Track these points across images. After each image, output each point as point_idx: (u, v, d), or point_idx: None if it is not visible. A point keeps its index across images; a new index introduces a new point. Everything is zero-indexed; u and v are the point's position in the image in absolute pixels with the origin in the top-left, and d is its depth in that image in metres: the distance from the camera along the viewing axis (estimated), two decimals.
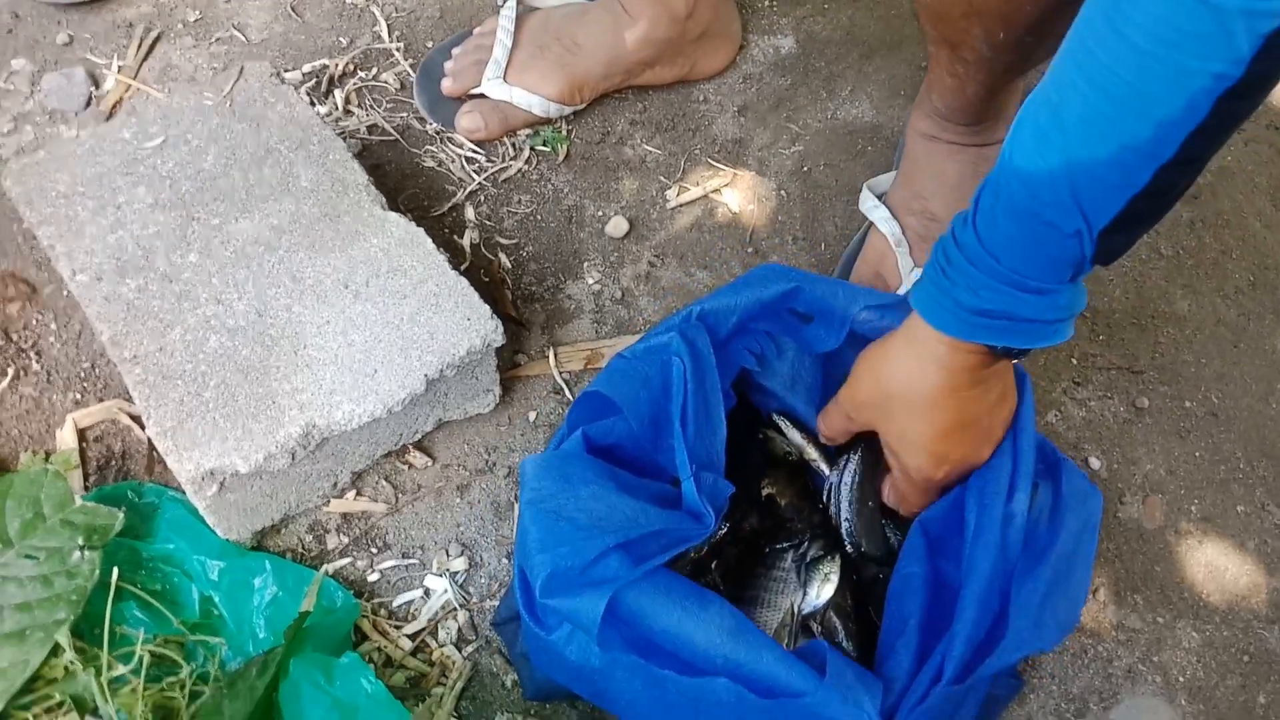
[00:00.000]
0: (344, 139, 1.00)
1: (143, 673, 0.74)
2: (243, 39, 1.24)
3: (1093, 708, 0.89)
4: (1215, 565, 0.94)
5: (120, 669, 0.74)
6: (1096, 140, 0.56)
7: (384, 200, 0.94)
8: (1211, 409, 1.03)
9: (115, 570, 0.77)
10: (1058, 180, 0.57)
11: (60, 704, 0.73)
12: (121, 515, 0.82)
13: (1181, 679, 0.89)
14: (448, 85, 1.15)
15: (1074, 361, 1.05)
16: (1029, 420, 0.74)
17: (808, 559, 0.81)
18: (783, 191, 1.15)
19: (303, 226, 0.91)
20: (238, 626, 0.82)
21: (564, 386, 1.01)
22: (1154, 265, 1.12)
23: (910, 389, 0.71)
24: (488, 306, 0.87)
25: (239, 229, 0.91)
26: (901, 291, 1.03)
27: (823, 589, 0.79)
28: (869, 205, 1.06)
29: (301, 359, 0.84)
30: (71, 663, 0.73)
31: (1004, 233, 0.61)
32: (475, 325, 0.86)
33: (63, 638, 0.74)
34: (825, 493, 0.83)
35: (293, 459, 0.81)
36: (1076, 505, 0.76)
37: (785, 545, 0.82)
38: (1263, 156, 1.21)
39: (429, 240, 0.91)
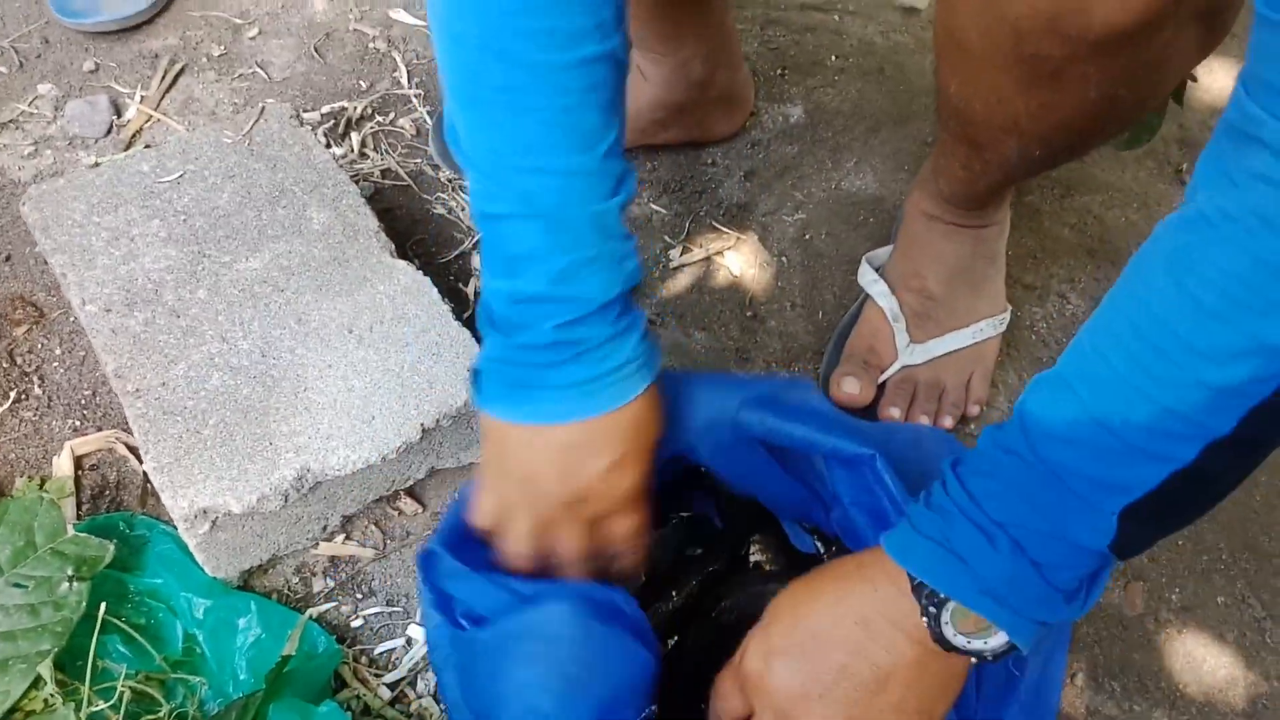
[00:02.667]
0: (358, 182, 1.02)
1: (122, 709, 0.75)
2: (265, 77, 1.26)
3: None
4: (1194, 655, 0.95)
5: (100, 704, 0.74)
6: (1138, 399, 0.49)
7: (393, 248, 0.96)
8: None
9: (103, 605, 0.78)
10: (1084, 440, 0.51)
11: None
12: (112, 548, 0.83)
13: None
14: None
15: None
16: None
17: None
18: (784, 258, 1.17)
19: (311, 269, 0.93)
20: (219, 666, 0.82)
21: None
22: None
23: (863, 644, 0.58)
24: None
25: (248, 268, 0.93)
26: (895, 368, 1.04)
27: None
28: (867, 279, 1.08)
29: (301, 402, 0.85)
30: (52, 695, 0.74)
31: (1021, 518, 0.54)
32: None
33: (45, 670, 0.74)
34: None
35: (285, 501, 0.81)
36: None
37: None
38: None
39: (434, 289, 0.92)
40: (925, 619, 0.56)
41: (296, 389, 0.85)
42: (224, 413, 0.84)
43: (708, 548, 0.84)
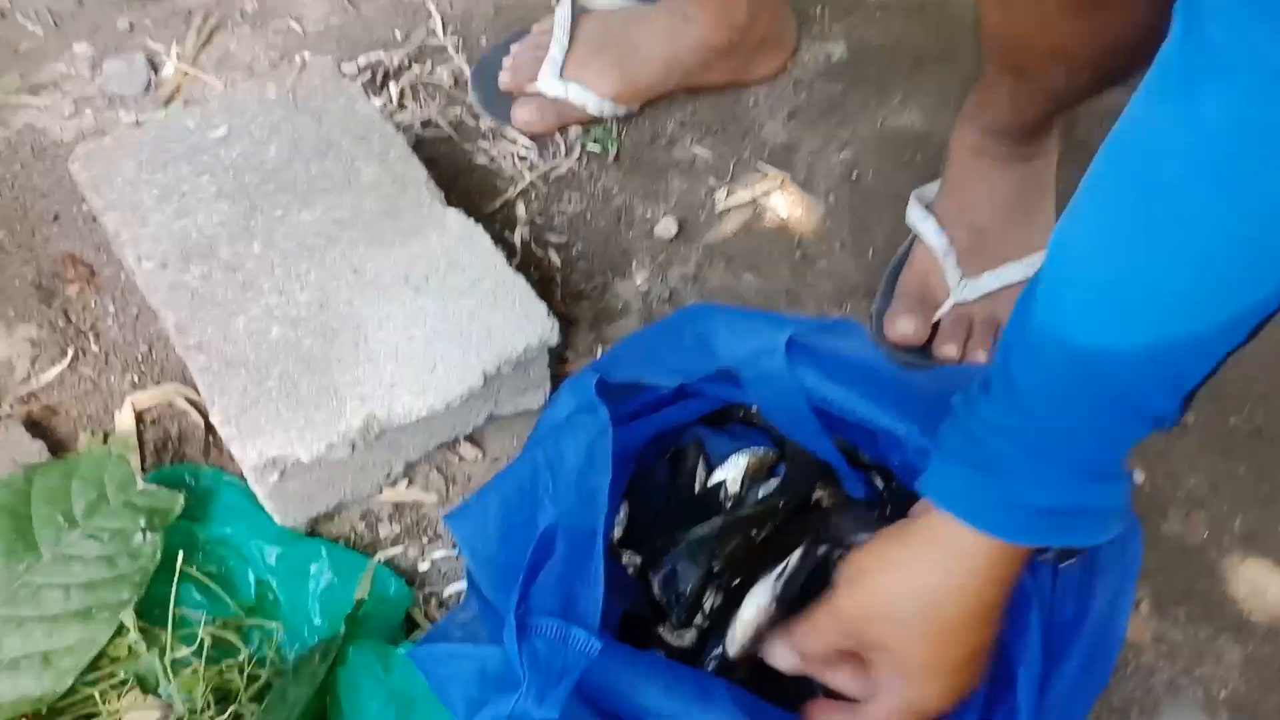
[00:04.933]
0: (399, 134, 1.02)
1: (204, 655, 0.76)
2: (299, 30, 1.25)
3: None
4: (1258, 582, 0.95)
5: (182, 650, 0.76)
6: (1208, 308, 0.47)
7: (443, 197, 0.96)
8: (1256, 427, 1.03)
9: (180, 553, 0.79)
10: (1151, 359, 0.49)
11: (124, 682, 0.74)
12: (181, 498, 0.84)
13: (1223, 694, 0.90)
14: (504, 79, 1.16)
15: None
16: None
17: (822, 557, 0.79)
18: (831, 197, 1.16)
19: (364, 221, 0.93)
20: (293, 611, 0.83)
21: None
22: None
23: (939, 606, 0.58)
24: (544, 305, 0.88)
25: (301, 221, 0.93)
26: (948, 305, 1.03)
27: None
28: (916, 216, 1.06)
29: (363, 352, 0.85)
30: (136, 642, 0.75)
31: (1075, 415, 0.52)
32: (532, 324, 0.87)
33: (127, 618, 0.76)
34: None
35: (352, 450, 0.82)
36: (1115, 556, 0.72)
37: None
38: None
39: (487, 237, 0.92)
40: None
41: (357, 339, 0.86)
42: (286, 364, 0.84)
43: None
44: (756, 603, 0.76)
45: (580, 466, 0.70)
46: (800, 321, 0.77)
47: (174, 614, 0.78)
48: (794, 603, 0.78)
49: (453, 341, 0.85)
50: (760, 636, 0.75)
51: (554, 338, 0.87)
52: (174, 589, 0.77)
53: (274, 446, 0.80)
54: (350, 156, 0.97)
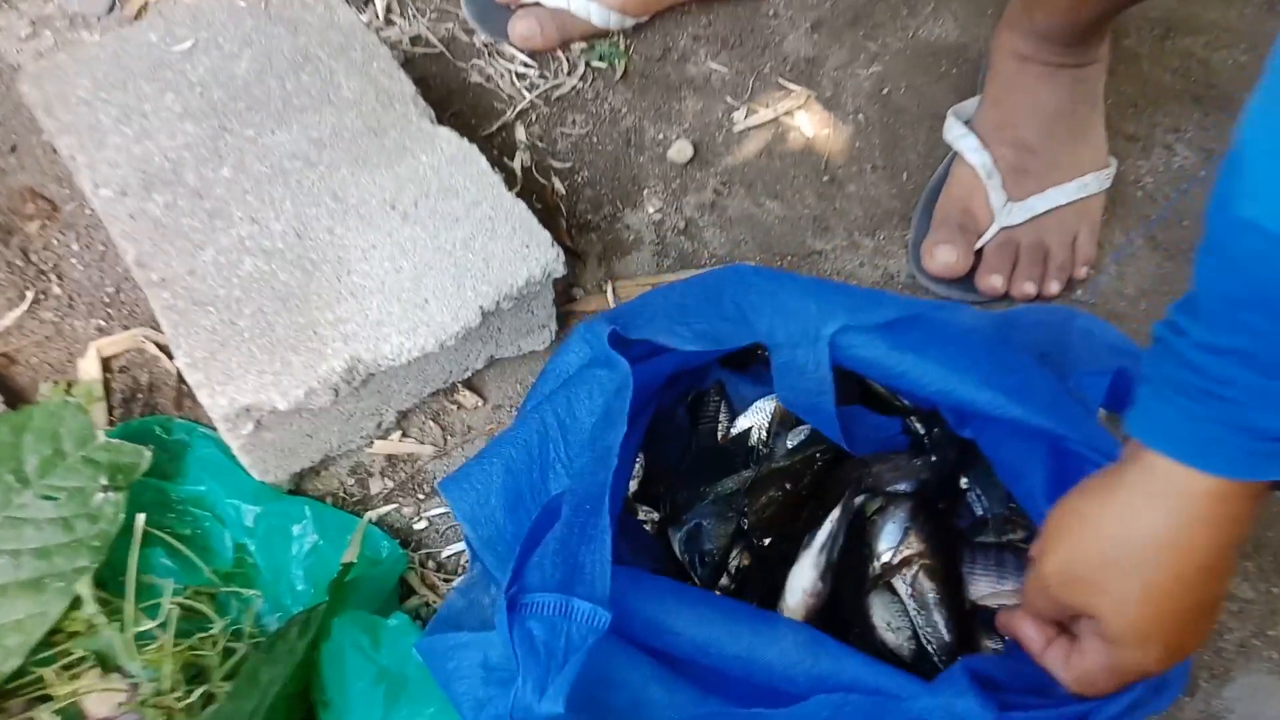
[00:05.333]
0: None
1: (171, 627, 0.68)
2: None
3: (1203, 684, 0.81)
4: None
5: (147, 623, 0.67)
6: None
7: (433, 114, 0.86)
8: None
9: (140, 515, 0.70)
10: None
11: (82, 660, 0.66)
12: (149, 453, 0.75)
13: None
14: None
15: None
16: None
17: (859, 507, 0.73)
18: (860, 115, 1.05)
19: (345, 140, 0.83)
20: (274, 577, 0.75)
21: None
22: None
23: (1160, 565, 0.51)
24: (548, 233, 0.79)
25: (276, 142, 0.83)
26: (993, 230, 0.94)
27: (896, 545, 0.71)
28: (956, 133, 0.97)
29: (345, 286, 0.76)
30: (94, 615, 0.67)
31: None
32: (534, 253, 0.78)
33: (84, 588, 0.67)
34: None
35: (336, 395, 0.73)
36: None
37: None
38: None
39: (483, 158, 0.82)
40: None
41: (339, 272, 0.76)
42: (260, 301, 0.75)
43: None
44: (801, 586, 0.68)
45: (596, 426, 0.61)
46: (858, 299, 0.67)
47: (139, 582, 0.70)
48: (838, 569, 0.70)
49: (446, 274, 0.76)
50: (812, 619, 0.67)
51: (559, 268, 0.78)
52: (133, 555, 0.69)
53: (247, 393, 0.71)
54: (329, 70, 0.87)
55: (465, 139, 0.84)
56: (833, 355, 0.65)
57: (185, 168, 0.82)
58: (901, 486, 0.75)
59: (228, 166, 0.82)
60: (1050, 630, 0.58)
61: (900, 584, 0.71)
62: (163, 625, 0.68)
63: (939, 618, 0.69)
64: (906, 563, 0.72)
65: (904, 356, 0.63)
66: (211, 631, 0.70)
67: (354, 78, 0.86)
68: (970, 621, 0.71)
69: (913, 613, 0.70)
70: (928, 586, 0.70)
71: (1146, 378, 0.51)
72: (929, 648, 0.69)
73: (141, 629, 0.68)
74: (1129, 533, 0.51)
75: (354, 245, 0.77)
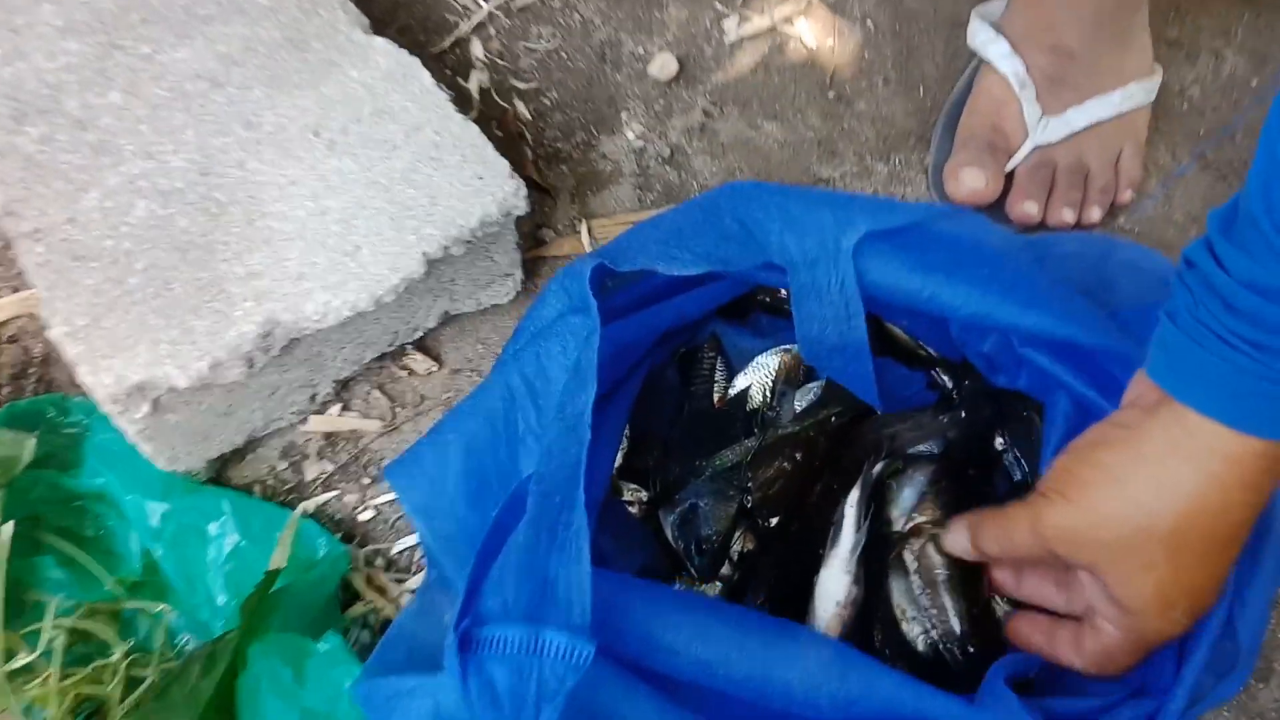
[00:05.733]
0: None
1: (57, 657, 0.55)
2: None
3: (1277, 668, 0.71)
4: None
5: (25, 656, 0.55)
6: None
7: (366, 22, 0.72)
8: None
9: (8, 525, 0.57)
10: None
11: None
12: (32, 442, 0.63)
13: None
14: None
15: None
16: None
17: (878, 476, 0.62)
18: (869, 22, 0.92)
19: (260, 56, 0.69)
20: (188, 587, 0.63)
21: None
22: None
23: (1183, 532, 0.47)
24: (505, 162, 0.65)
25: (175, 59, 0.69)
26: (1026, 149, 0.82)
27: (911, 508, 0.60)
28: (983, 38, 0.85)
29: (259, 232, 0.62)
30: None
31: None
32: (490, 186, 0.64)
33: None
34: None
35: (250, 367, 0.60)
36: None
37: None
38: None
39: (426, 73, 0.69)
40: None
41: (251, 216, 0.63)
42: (156, 253, 0.62)
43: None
44: (834, 597, 0.57)
45: (566, 387, 0.49)
46: (877, 206, 0.56)
47: (20, 601, 0.57)
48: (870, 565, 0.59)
49: (381, 214, 0.63)
50: (847, 631, 0.56)
51: (521, 204, 0.65)
52: (1, 568, 0.56)
53: (138, 368, 0.58)
54: None
55: (405, 50, 0.70)
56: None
57: (66, 93, 0.68)
58: (924, 448, 0.65)
59: (117, 91, 0.68)
60: (1043, 621, 0.54)
61: (908, 557, 0.59)
62: (46, 655, 0.55)
63: (948, 601, 0.58)
64: (916, 531, 0.60)
65: (931, 277, 0.55)
66: (109, 659, 0.57)
67: None
68: (991, 613, 0.59)
69: (917, 592, 0.58)
70: (936, 562, 0.58)
71: (1175, 313, 0.46)
72: (933, 635, 0.58)
73: (23, 662, 0.55)
74: (1160, 496, 0.47)
75: (270, 182, 0.64)
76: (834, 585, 0.57)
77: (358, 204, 0.63)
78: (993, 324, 0.53)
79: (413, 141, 0.65)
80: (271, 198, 0.63)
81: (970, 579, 0.58)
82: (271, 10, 0.71)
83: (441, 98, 0.67)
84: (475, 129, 0.66)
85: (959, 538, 0.55)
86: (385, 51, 0.69)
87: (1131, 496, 0.47)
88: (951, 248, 0.57)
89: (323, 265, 0.61)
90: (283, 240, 0.62)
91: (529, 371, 0.53)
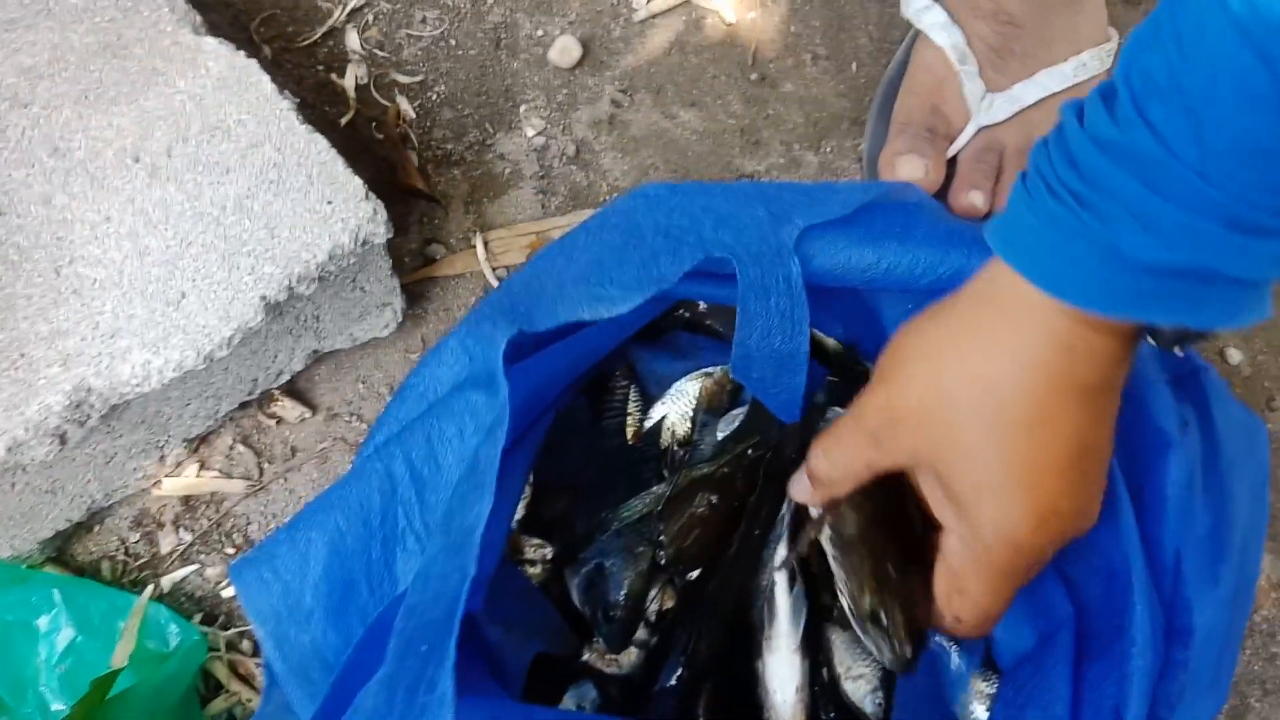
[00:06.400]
0: None
1: None
2: None
3: (1254, 705, 0.64)
4: None
5: None
6: None
7: (197, 19, 0.62)
8: None
9: None
10: None
11: None
12: None
13: None
14: None
15: None
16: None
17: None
18: None
19: (70, 67, 0.60)
20: (17, 695, 0.54)
21: None
22: None
23: (1004, 395, 0.44)
24: (359, 180, 0.57)
25: None
26: (969, 131, 0.75)
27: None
28: (916, 6, 0.79)
29: (67, 281, 0.53)
30: None
31: (1229, 134, 0.38)
32: (341, 211, 0.55)
33: None
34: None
35: (63, 444, 0.51)
36: (1240, 457, 0.51)
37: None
38: None
39: (266, 78, 0.59)
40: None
41: (58, 262, 0.53)
42: None
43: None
44: (790, 685, 0.50)
45: (459, 490, 0.41)
46: (811, 193, 0.51)
47: None
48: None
49: (212, 252, 0.54)
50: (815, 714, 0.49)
51: (380, 230, 0.56)
52: None
53: None
54: None
55: (240, 51, 0.60)
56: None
57: None
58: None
59: None
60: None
61: (824, 542, 0.50)
62: None
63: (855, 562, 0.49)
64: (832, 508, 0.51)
65: (884, 247, 0.51)
66: None
67: None
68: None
69: (833, 566, 0.49)
70: (851, 520, 0.49)
71: (1023, 173, 0.43)
72: (880, 696, 0.50)
73: None
74: (978, 360, 0.44)
75: (80, 220, 0.54)
76: (785, 670, 0.49)
77: (183, 241, 0.53)
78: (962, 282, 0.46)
79: (249, 162, 0.56)
80: (82, 239, 0.54)
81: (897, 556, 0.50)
82: (85, 11, 0.61)
83: (285, 106, 0.58)
84: (324, 142, 0.57)
85: (799, 487, 0.51)
86: (217, 55, 0.59)
87: (940, 366, 0.45)
88: (900, 211, 0.52)
89: (141, 318, 0.52)
90: (95, 290, 0.52)
91: (416, 455, 0.46)
